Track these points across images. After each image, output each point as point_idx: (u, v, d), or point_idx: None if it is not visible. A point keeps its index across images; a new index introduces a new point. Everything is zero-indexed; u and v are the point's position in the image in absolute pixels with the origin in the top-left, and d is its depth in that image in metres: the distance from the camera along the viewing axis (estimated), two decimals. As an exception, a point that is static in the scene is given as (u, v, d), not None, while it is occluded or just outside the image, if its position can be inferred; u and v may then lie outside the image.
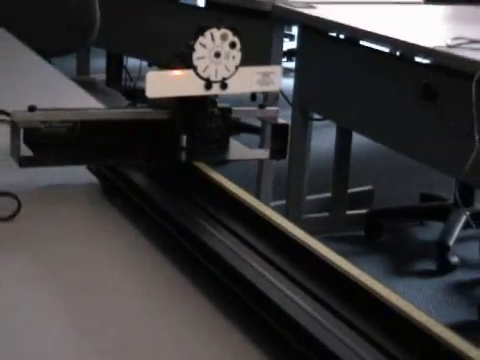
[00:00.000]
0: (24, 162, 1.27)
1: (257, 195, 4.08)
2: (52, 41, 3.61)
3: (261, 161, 4.10)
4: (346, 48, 3.71)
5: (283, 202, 4.13)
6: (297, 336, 0.88)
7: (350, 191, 4.42)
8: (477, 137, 2.67)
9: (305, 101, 3.95)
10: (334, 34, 3.77)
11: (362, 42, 3.57)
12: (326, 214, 4.32)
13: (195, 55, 1.21)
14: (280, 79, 1.27)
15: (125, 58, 5.75)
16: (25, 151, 1.26)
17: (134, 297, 1.03)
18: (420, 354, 0.82)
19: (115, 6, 4.44)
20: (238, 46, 1.22)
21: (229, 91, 1.23)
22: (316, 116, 4.03)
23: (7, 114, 1.30)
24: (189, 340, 0.95)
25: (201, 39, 1.21)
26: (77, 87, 1.98)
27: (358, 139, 4.20)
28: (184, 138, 1.28)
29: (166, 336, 0.95)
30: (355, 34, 3.54)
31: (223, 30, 1.21)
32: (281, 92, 4.08)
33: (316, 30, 3.80)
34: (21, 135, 1.26)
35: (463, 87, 2.69)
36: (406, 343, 0.85)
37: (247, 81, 1.25)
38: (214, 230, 1.11)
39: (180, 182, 1.27)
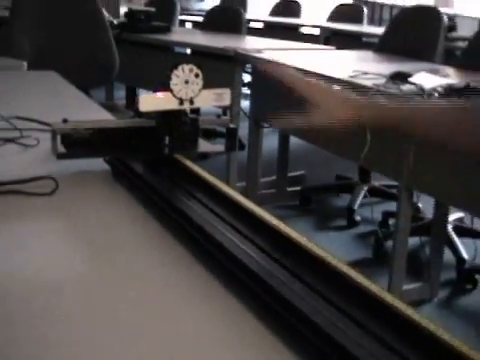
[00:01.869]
0: (60, 156, 1.26)
1: (227, 179, 4.07)
2: (86, 78, 3.58)
3: (229, 156, 4.11)
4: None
5: (244, 184, 4.12)
6: (245, 272, 0.88)
7: (289, 175, 4.41)
8: (368, 137, 2.67)
9: (257, 115, 3.93)
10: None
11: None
12: (273, 190, 4.31)
13: (172, 82, 1.20)
14: (229, 97, 1.25)
15: (137, 89, 5.72)
16: (61, 149, 1.26)
17: (132, 247, 1.03)
18: (331, 286, 0.81)
19: (130, 55, 4.41)
20: (200, 76, 1.21)
21: (195, 106, 1.22)
22: (265, 125, 4.01)
23: (49, 125, 1.28)
24: (174, 281, 0.94)
25: (175, 72, 1.20)
26: (101, 108, 1.96)
27: (294, 140, 4.19)
28: (166, 138, 1.26)
29: (154, 274, 0.95)
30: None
31: (190, 65, 1.21)
32: (241, 109, 4.08)
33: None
34: (58, 138, 1.26)
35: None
36: (311, 271, 0.86)
37: (207, 99, 1.24)
38: (190, 202, 1.10)
39: (165, 169, 1.26)
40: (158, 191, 1.16)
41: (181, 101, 1.21)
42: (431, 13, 4.00)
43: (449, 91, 2.40)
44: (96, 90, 4.32)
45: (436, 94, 2.41)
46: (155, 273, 0.93)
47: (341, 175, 4.56)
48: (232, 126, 1.33)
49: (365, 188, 4.12)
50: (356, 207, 3.97)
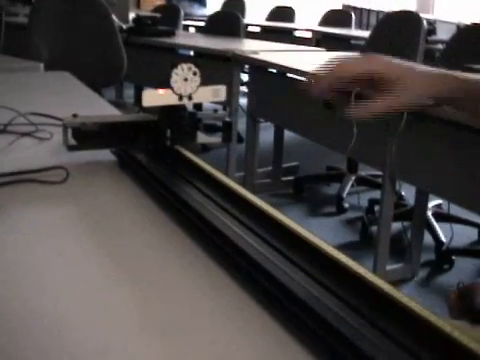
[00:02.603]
0: (71, 148, 1.25)
1: (226, 170, 4.08)
2: (97, 78, 3.58)
3: (228, 149, 4.11)
4: (278, 78, 3.70)
5: (242, 174, 4.12)
6: (239, 254, 0.88)
7: (283, 166, 4.41)
8: (355, 130, 2.67)
9: (254, 111, 3.93)
10: (270, 69, 3.74)
11: (288, 74, 3.55)
12: (269, 180, 4.31)
13: (172, 80, 1.20)
14: (225, 93, 1.25)
15: (145, 88, 5.71)
16: (71, 141, 1.26)
17: (136, 231, 1.03)
18: (321, 267, 0.80)
19: (138, 57, 4.41)
20: (198, 73, 1.21)
21: (194, 101, 1.22)
22: (261, 120, 4.00)
23: (61, 120, 1.28)
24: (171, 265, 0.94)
25: (175, 70, 1.20)
26: (110, 105, 1.96)
27: (288, 133, 4.19)
28: (168, 131, 1.26)
29: (154, 254, 0.95)
30: (283, 69, 3.52)
31: (188, 64, 1.21)
32: (239, 106, 4.08)
33: (259, 67, 3.78)
34: (69, 132, 1.26)
35: (347, 99, 2.68)
36: (308, 259, 0.86)
37: (205, 95, 1.24)
38: (189, 190, 1.09)
39: (167, 159, 1.25)
40: (160, 179, 1.16)
41: (180, 97, 1.21)
42: (412, 18, 3.99)
43: (428, 88, 2.40)
44: (107, 90, 4.32)
45: (416, 91, 2.41)
46: (156, 253, 0.93)
47: (331, 166, 4.56)
48: (228, 120, 1.33)
49: (353, 178, 4.12)
50: (345, 195, 3.97)
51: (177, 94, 1.21)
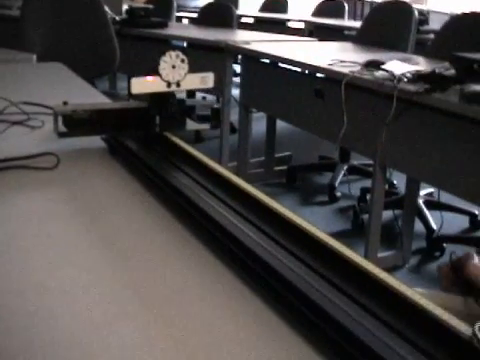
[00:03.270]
0: (61, 135, 1.28)
1: (219, 160, 4.09)
2: (90, 69, 3.59)
3: (221, 139, 4.12)
4: (270, 68, 3.70)
5: (235, 163, 4.13)
6: (224, 234, 0.90)
7: (277, 156, 4.43)
8: (345, 119, 2.69)
9: (246, 101, 3.94)
10: (262, 60, 3.75)
11: (280, 64, 3.56)
12: (262, 170, 4.33)
13: (160, 67, 1.22)
14: (212, 80, 1.27)
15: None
16: (62, 128, 1.27)
17: (126, 215, 1.05)
18: (313, 254, 0.81)
19: (132, 48, 4.42)
20: (186, 61, 1.23)
21: (182, 88, 1.25)
22: (254, 110, 4.01)
23: (51, 108, 1.30)
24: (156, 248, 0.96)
25: (163, 58, 1.22)
26: (102, 95, 1.97)
27: (280, 123, 4.21)
28: (157, 118, 1.28)
29: (142, 234, 0.97)
30: (275, 59, 3.53)
31: (176, 52, 1.23)
32: (232, 96, 4.09)
33: (252, 58, 3.80)
34: (59, 119, 1.28)
35: (337, 88, 2.71)
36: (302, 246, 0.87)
37: (192, 82, 1.26)
38: (177, 174, 1.11)
39: (155, 145, 1.27)
40: (149, 165, 1.17)
41: (169, 84, 1.23)
42: (404, 8, 4.00)
43: (417, 77, 2.42)
44: (100, 81, 4.33)
45: (405, 79, 2.43)
46: (144, 236, 0.96)
47: (324, 155, 4.58)
48: (216, 106, 1.35)
49: (345, 167, 4.15)
50: (337, 184, 4.00)
51: (165, 81, 1.23)
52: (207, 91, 4.15)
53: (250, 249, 0.83)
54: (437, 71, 2.40)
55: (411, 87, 2.37)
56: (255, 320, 0.73)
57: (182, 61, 1.22)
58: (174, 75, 1.22)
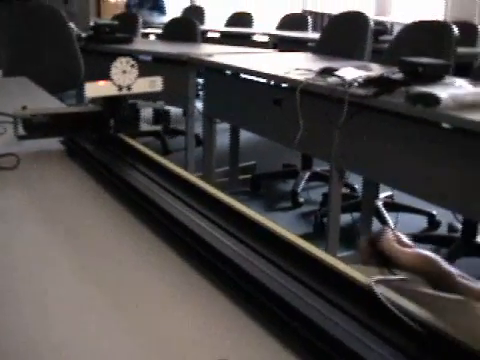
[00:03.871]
0: (21, 138, 1.36)
1: (185, 170, 4.15)
2: (55, 84, 3.66)
3: (186, 150, 4.19)
4: (231, 79, 3.78)
5: (201, 174, 4.19)
6: (174, 223, 0.97)
7: (241, 165, 4.50)
8: (301, 124, 2.79)
9: (210, 112, 4.00)
10: (225, 71, 3.83)
11: (241, 75, 3.64)
12: (227, 179, 4.40)
13: (112, 72, 1.31)
14: (161, 84, 1.36)
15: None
16: (21, 132, 1.35)
17: (84, 212, 1.13)
18: (279, 253, 0.84)
19: (97, 63, 4.48)
20: (136, 66, 1.32)
21: (132, 92, 1.34)
22: (218, 120, 4.09)
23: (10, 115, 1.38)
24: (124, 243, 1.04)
25: (115, 64, 1.31)
26: (62, 104, 2.04)
27: (246, 134, 4.29)
28: (111, 120, 1.36)
29: (100, 231, 1.05)
30: (236, 70, 3.62)
31: (127, 58, 1.32)
32: (196, 108, 4.17)
33: (214, 70, 3.87)
34: (19, 123, 1.36)
35: (294, 96, 2.80)
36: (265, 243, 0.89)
37: (142, 85, 1.35)
38: (132, 173, 1.18)
39: (111, 146, 1.34)
40: (105, 164, 1.25)
41: (120, 88, 1.32)
42: (359, 18, 4.14)
43: (366, 81, 2.54)
44: (68, 96, 4.38)
45: (356, 84, 2.54)
46: (102, 230, 1.03)
47: (287, 163, 4.67)
48: (165, 109, 1.44)
49: (307, 174, 4.25)
50: (299, 190, 4.09)
51: (117, 85, 1.32)
52: (172, 103, 4.24)
53: (200, 237, 0.88)
54: (385, 75, 2.52)
55: (361, 91, 2.48)
56: (223, 318, 0.76)
57: (132, 66, 1.32)
58: (125, 79, 1.31)
